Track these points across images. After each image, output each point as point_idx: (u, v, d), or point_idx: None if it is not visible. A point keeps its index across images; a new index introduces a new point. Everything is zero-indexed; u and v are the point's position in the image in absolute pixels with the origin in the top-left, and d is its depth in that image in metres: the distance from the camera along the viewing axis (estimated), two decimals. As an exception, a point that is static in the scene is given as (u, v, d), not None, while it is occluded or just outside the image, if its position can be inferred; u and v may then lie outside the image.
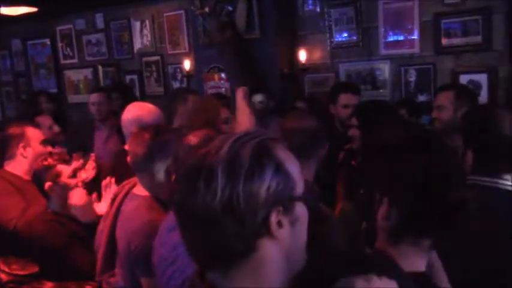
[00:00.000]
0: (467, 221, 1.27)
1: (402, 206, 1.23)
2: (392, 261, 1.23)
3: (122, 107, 3.15)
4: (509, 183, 1.78)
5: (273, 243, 0.94)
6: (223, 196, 0.89)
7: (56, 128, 4.28)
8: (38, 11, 6.02)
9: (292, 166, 0.97)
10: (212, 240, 0.92)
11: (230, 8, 4.85)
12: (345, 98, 3.69)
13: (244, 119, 3.01)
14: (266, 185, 0.91)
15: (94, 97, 4.78)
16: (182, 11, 5.86)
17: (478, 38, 4.18)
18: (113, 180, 2.76)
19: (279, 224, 0.94)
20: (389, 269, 1.23)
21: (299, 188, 0.97)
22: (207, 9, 4.94)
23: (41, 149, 3.10)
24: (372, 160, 1.38)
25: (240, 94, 3.17)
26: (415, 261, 1.26)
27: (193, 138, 1.88)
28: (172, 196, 1.88)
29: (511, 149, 1.79)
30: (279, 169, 0.94)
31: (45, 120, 4.26)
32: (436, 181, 1.22)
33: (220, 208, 0.89)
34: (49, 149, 3.17)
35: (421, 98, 4.50)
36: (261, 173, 0.91)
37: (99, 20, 6.66)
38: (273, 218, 0.93)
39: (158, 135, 2.17)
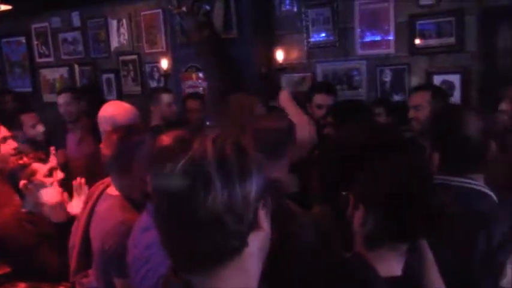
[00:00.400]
0: (449, 223, 1.28)
1: (381, 210, 1.23)
2: (370, 266, 1.25)
3: (91, 108, 3.12)
4: (476, 182, 1.82)
5: (258, 236, 0.97)
6: (223, 197, 0.90)
7: (40, 127, 4.22)
8: (12, 8, 5.92)
9: (262, 160, 1.00)
10: (210, 241, 0.92)
11: (208, 8, 4.84)
12: (318, 98, 3.71)
13: (301, 123, 2.60)
14: (255, 182, 0.94)
15: (61, 98, 4.62)
16: (159, 10, 5.82)
17: (452, 39, 4.24)
18: (83, 180, 2.75)
19: (264, 217, 0.98)
20: (366, 273, 1.25)
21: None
22: (184, 9, 4.93)
23: None
24: (348, 161, 1.36)
25: (284, 97, 2.94)
26: (392, 265, 1.28)
27: (166, 139, 1.88)
28: (145, 196, 1.89)
29: (476, 150, 1.82)
30: (258, 165, 0.97)
31: (30, 118, 4.20)
32: (418, 182, 1.23)
33: (222, 208, 0.90)
34: (13, 145, 3.08)
35: (396, 97, 4.55)
36: (249, 171, 0.94)
37: (76, 18, 6.57)
38: (261, 212, 0.97)
39: (128, 136, 2.17)
